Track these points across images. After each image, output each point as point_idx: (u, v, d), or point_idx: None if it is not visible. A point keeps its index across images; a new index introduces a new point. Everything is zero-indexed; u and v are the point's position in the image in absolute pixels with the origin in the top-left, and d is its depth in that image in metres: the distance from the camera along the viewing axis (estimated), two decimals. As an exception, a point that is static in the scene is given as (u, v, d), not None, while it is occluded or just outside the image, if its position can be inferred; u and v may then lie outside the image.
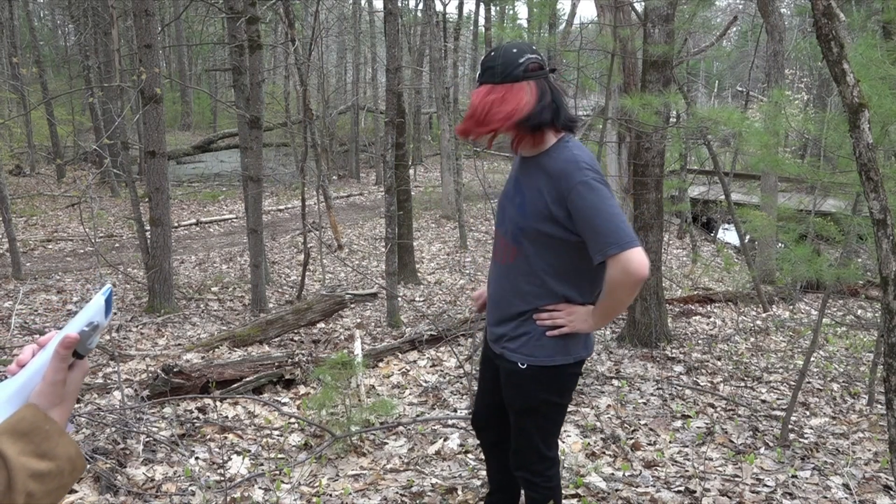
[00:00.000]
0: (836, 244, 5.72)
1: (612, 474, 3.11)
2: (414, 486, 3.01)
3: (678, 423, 3.76)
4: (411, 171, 15.44)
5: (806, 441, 3.54)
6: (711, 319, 6.48)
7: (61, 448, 0.82)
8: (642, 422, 3.77)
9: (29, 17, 20.80)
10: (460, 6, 23.13)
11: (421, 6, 19.52)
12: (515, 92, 1.86)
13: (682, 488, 2.97)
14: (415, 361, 4.99)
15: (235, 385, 4.17)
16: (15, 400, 0.83)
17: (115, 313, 6.90)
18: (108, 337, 5.68)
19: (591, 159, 1.88)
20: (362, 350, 4.84)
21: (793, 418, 3.78)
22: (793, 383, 4.41)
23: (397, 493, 2.95)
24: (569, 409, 3.92)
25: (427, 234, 13.56)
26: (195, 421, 3.72)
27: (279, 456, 3.36)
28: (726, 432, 3.65)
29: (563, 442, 3.45)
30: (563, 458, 3.23)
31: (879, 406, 4.03)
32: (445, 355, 5.09)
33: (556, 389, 2.02)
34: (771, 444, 3.50)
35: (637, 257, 1.77)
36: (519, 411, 2.06)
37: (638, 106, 4.76)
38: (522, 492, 2.25)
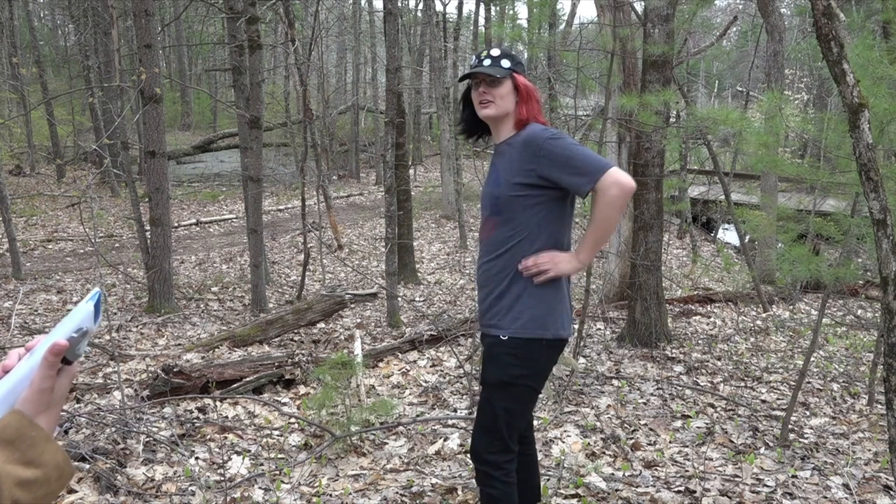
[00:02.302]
0: (836, 244, 5.72)
1: (612, 474, 3.11)
2: (414, 486, 3.01)
3: (678, 423, 3.76)
4: (411, 171, 15.44)
5: (806, 441, 3.54)
6: (711, 319, 6.48)
7: (48, 455, 0.80)
8: (642, 422, 3.77)
9: (29, 17, 20.82)
10: (460, 6, 23.13)
11: (421, 6, 19.53)
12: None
13: (682, 488, 2.97)
14: (415, 361, 4.99)
15: (235, 385, 4.17)
16: (0, 406, 0.82)
17: (116, 313, 6.90)
18: (108, 337, 5.68)
19: (546, 127, 2.14)
20: (362, 350, 4.84)
21: (793, 418, 3.78)
22: (793, 383, 4.41)
23: (397, 493, 2.95)
24: (569, 409, 3.92)
25: (427, 234, 13.57)
26: (195, 421, 3.72)
27: (279, 456, 3.36)
28: (726, 432, 3.65)
29: (563, 442, 3.45)
30: (563, 458, 3.24)
31: (879, 406, 4.03)
32: (445, 355, 5.09)
33: (531, 365, 2.11)
34: (771, 444, 3.50)
35: (621, 172, 1.99)
36: (492, 385, 2.14)
37: (635, 105, 4.76)
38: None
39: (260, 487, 3.01)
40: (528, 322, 2.07)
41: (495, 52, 2.18)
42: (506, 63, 2.14)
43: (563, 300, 2.13)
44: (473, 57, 2.22)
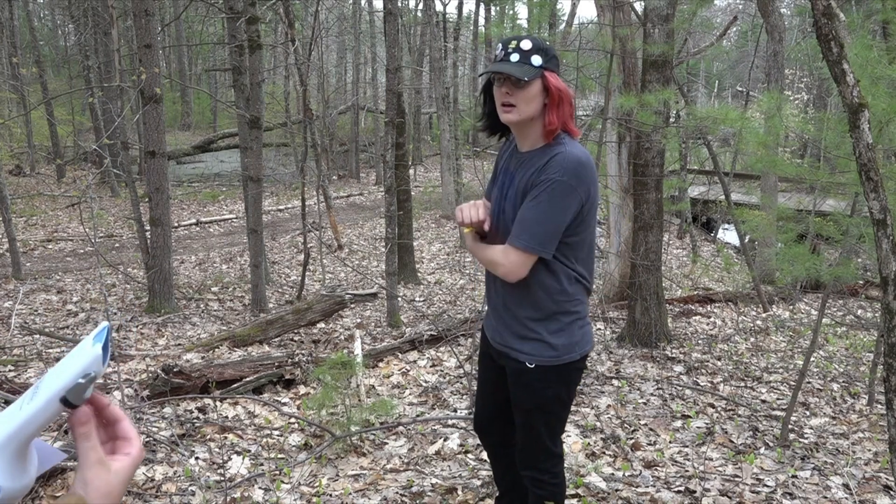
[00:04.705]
0: (835, 244, 5.72)
1: (612, 474, 3.11)
2: (414, 486, 3.01)
3: (678, 423, 3.76)
4: (411, 171, 15.45)
5: (806, 441, 3.54)
6: (711, 319, 6.48)
7: None
8: (642, 422, 3.77)
9: (29, 17, 20.80)
10: (460, 6, 23.14)
11: (421, 6, 19.53)
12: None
13: (682, 488, 2.97)
14: (415, 361, 4.99)
15: (235, 385, 4.17)
16: (6, 448, 0.78)
17: (116, 313, 6.90)
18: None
19: (581, 161, 1.85)
20: (362, 350, 4.84)
21: (793, 418, 3.78)
22: (793, 383, 4.41)
23: (397, 493, 2.95)
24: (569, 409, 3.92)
25: (427, 234, 13.57)
26: (195, 421, 3.72)
27: (279, 456, 3.36)
28: (726, 432, 3.65)
29: (564, 442, 3.45)
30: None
31: (879, 406, 4.03)
32: (445, 355, 5.09)
33: (563, 386, 2.05)
34: (771, 444, 3.50)
35: (521, 260, 1.87)
36: (527, 410, 2.08)
37: (635, 105, 4.76)
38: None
39: (260, 487, 3.01)
40: (552, 348, 1.98)
41: (526, 44, 1.83)
42: (537, 60, 1.83)
43: (583, 316, 2.03)
44: (499, 45, 1.88)
